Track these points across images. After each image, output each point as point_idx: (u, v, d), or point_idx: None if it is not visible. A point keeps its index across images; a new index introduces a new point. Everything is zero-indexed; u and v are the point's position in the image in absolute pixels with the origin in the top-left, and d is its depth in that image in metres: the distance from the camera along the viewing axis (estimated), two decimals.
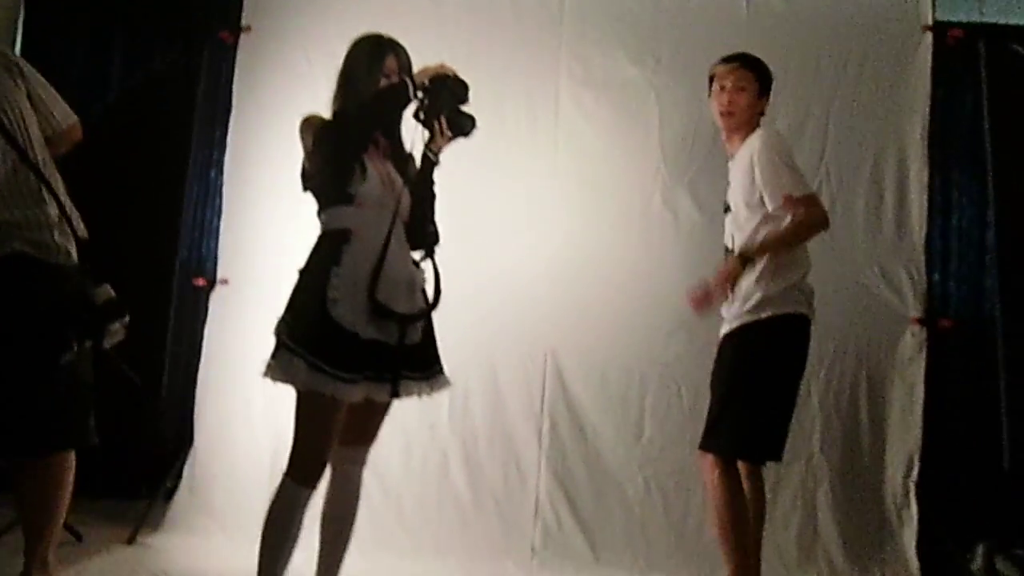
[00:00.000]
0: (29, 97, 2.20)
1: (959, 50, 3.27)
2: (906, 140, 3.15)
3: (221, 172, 3.62)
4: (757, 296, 2.53)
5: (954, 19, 3.31)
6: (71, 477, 2.21)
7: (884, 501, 3.07)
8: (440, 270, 2.32)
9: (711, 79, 2.70)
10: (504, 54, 3.38)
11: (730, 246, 2.63)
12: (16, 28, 3.98)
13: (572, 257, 3.28)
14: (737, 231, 2.61)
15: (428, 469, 3.27)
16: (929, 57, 3.16)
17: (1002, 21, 3.46)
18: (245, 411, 3.34)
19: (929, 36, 3.17)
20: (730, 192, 2.66)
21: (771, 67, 2.66)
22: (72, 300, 2.10)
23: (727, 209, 2.68)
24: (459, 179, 3.04)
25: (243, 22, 3.57)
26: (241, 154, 3.53)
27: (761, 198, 2.54)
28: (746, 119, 2.65)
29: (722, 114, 2.66)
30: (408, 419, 3.19)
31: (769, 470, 2.99)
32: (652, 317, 3.22)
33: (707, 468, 2.54)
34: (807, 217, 2.53)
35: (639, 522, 3.15)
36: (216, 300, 3.48)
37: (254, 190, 3.49)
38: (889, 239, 3.13)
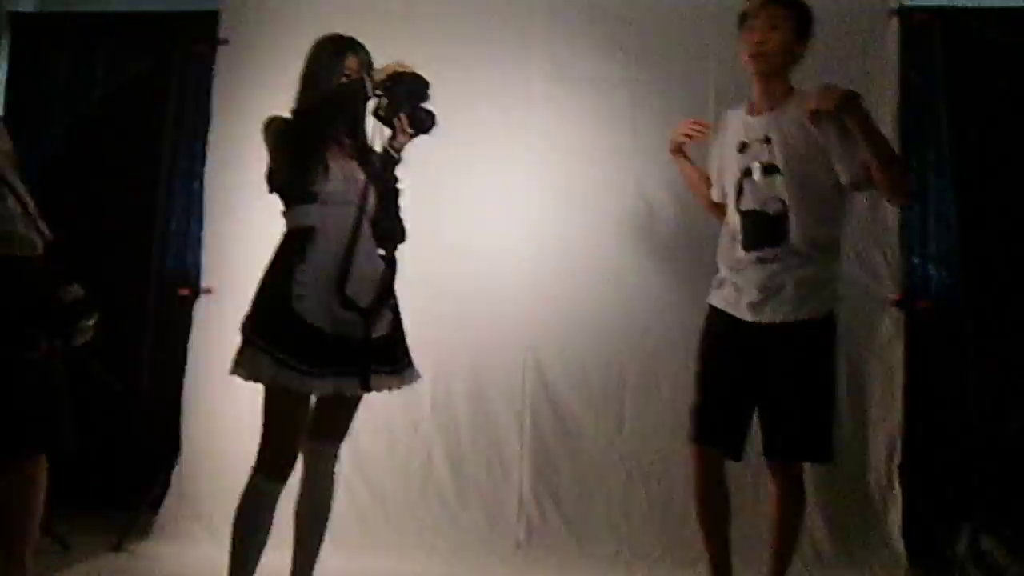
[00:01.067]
0: None
1: (927, 33, 3.29)
2: (877, 123, 3.14)
3: (202, 182, 3.67)
4: (833, 286, 2.44)
5: (922, 3, 3.32)
6: (43, 479, 2.19)
7: (868, 485, 3.06)
8: (398, 266, 2.34)
9: (742, 18, 2.45)
10: (475, 54, 3.40)
11: (769, 210, 2.38)
12: (2, 45, 4.08)
13: (549, 253, 3.30)
14: (787, 194, 2.35)
15: (412, 466, 3.28)
16: (896, 41, 3.16)
17: (972, 4, 3.47)
18: (231, 418, 3.34)
19: (895, 20, 3.18)
20: (775, 153, 2.37)
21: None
22: (38, 296, 2.09)
23: (772, 171, 2.38)
24: (436, 176, 3.14)
25: (220, 35, 3.63)
26: (222, 164, 3.57)
27: (825, 163, 2.35)
28: (779, 63, 2.41)
29: (751, 56, 2.41)
30: (392, 416, 3.23)
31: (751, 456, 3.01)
32: (630, 310, 3.24)
33: (787, 477, 2.47)
34: (903, 179, 2.42)
35: (622, 513, 3.15)
36: (200, 309, 3.51)
37: (235, 199, 3.51)
38: (863, 222, 3.11)
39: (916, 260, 3.39)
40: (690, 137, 2.65)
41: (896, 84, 3.15)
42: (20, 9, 4.14)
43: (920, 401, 3.12)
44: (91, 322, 2.18)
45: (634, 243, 3.28)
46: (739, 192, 2.44)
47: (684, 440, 2.52)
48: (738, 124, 2.49)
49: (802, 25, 2.40)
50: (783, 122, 2.39)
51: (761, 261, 2.39)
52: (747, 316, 2.40)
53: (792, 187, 2.36)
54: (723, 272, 2.51)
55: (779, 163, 2.37)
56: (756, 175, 2.40)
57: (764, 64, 2.40)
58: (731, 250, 2.48)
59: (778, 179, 2.37)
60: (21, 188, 2.17)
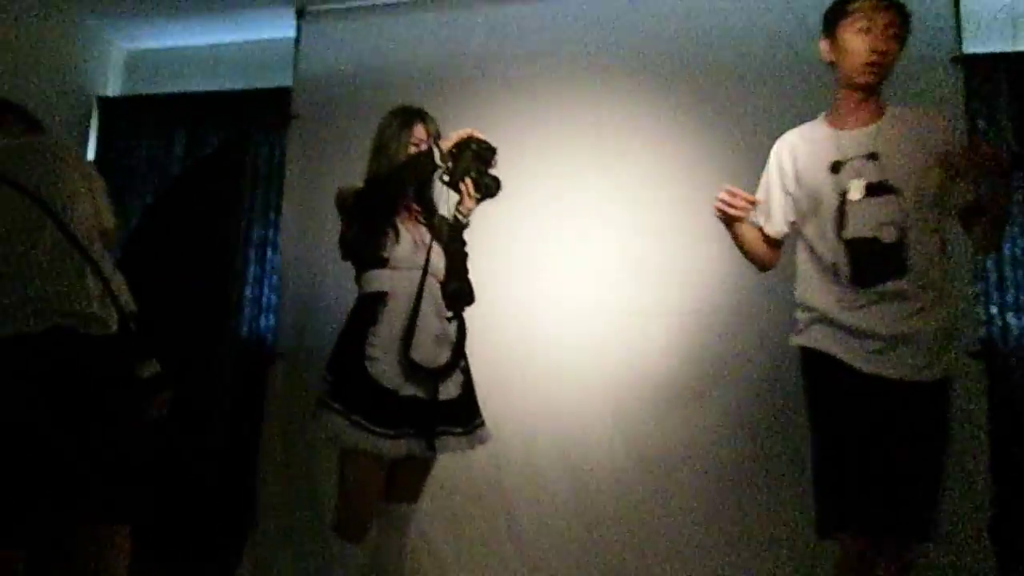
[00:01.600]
0: (92, 193, 2.32)
1: (991, 80, 3.25)
2: None
3: (277, 251, 3.80)
4: (955, 341, 2.15)
5: (983, 50, 3.29)
6: (127, 547, 2.17)
7: (956, 551, 2.92)
8: (467, 327, 2.39)
9: (838, 12, 2.15)
10: (544, 117, 3.46)
11: (884, 238, 2.06)
12: (91, 127, 4.34)
13: (625, 311, 3.29)
14: (905, 217, 2.06)
15: (498, 523, 3.27)
16: (961, 89, 3.13)
17: None
18: (306, 484, 3.42)
19: (959, 68, 3.15)
20: (887, 170, 2.08)
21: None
22: (112, 373, 2.12)
23: (882, 191, 2.08)
24: (509, 238, 3.23)
25: (292, 111, 3.79)
26: (296, 233, 3.70)
27: (941, 185, 2.08)
28: (884, 78, 2.16)
29: (868, 64, 2.11)
30: (476, 475, 3.24)
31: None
32: (710, 366, 3.20)
33: (901, 565, 2.07)
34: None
35: None
36: (275, 376, 3.61)
37: (309, 267, 3.63)
38: None
39: (994, 309, 3.29)
40: (734, 209, 2.24)
41: (964, 131, 3.10)
42: (107, 94, 4.41)
43: (1005, 455, 3.00)
44: (165, 397, 2.24)
45: (708, 296, 3.25)
46: (840, 218, 2.10)
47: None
48: (824, 142, 2.19)
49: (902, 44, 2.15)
50: (892, 136, 2.11)
51: (883, 299, 2.05)
52: (867, 366, 2.04)
53: (913, 209, 2.05)
54: (820, 310, 2.14)
55: (895, 181, 2.06)
56: (856, 195, 2.09)
57: (877, 76, 2.13)
58: (830, 285, 2.12)
59: (891, 200, 2.06)
60: (107, 265, 2.23)
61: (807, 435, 2.99)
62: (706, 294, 3.23)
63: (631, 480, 3.19)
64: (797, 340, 2.21)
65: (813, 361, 2.16)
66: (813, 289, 2.18)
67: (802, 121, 3.27)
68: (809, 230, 2.20)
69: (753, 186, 3.27)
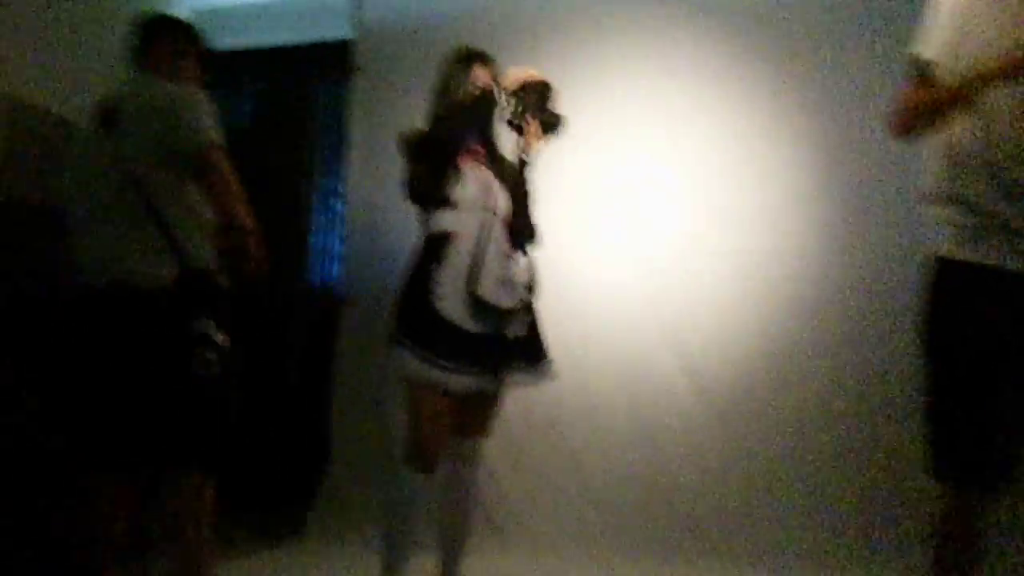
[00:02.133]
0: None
1: None
2: None
3: (343, 200, 3.89)
4: None
5: None
6: (211, 492, 2.19)
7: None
8: (537, 265, 2.42)
9: None
10: (608, 58, 3.47)
11: None
12: None
13: (699, 251, 3.30)
14: None
15: (564, 461, 3.33)
16: None
17: None
18: (378, 422, 3.53)
19: None
20: None
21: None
22: (163, 330, 2.06)
23: None
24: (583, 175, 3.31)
25: (354, 63, 3.84)
26: (359, 183, 3.77)
27: None
28: None
29: None
30: (543, 411, 3.30)
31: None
32: (788, 310, 3.20)
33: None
34: None
35: (778, 512, 3.10)
36: (345, 320, 3.71)
37: (373, 215, 3.71)
38: None
39: None
40: None
41: None
42: None
43: None
44: (212, 356, 2.07)
45: (769, 236, 3.23)
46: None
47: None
48: None
49: None
50: None
51: None
52: None
53: None
54: (984, 207, 1.75)
55: None
56: None
57: None
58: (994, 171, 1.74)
59: None
60: (174, 215, 2.12)
61: (875, 373, 3.01)
62: (766, 235, 3.22)
63: (694, 420, 3.22)
64: (949, 253, 1.81)
65: (970, 279, 1.77)
66: (965, 178, 1.78)
67: (863, 59, 3.20)
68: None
69: (814, 127, 3.21)
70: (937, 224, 1.85)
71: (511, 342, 2.35)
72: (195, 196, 2.15)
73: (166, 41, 2.34)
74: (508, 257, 2.40)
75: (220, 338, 2.08)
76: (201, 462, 2.16)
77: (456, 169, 2.39)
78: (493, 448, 3.09)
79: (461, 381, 2.26)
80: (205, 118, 2.12)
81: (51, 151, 3.66)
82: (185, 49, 2.36)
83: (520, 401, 2.88)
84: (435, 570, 2.49)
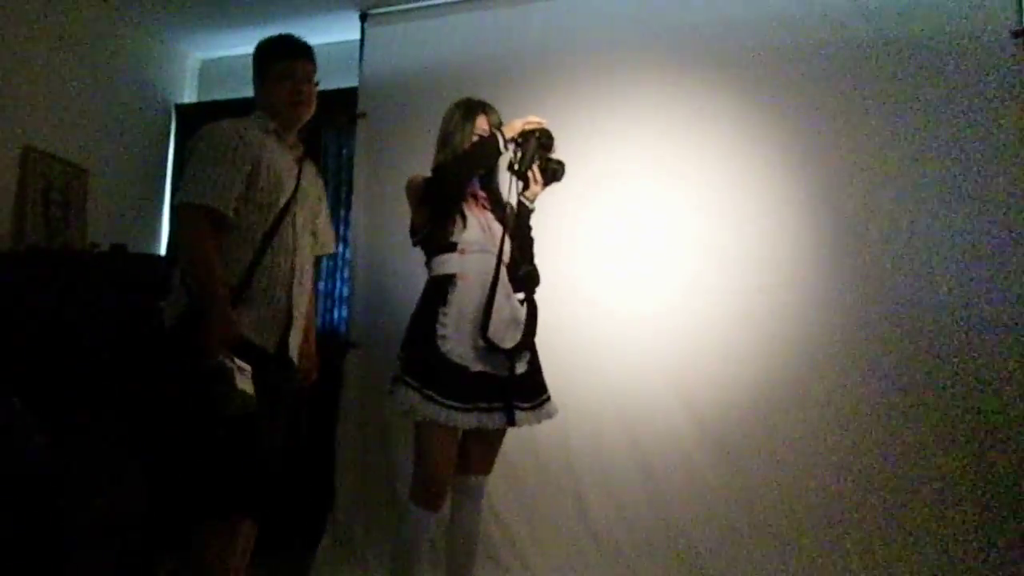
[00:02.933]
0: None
1: None
2: (1007, 147, 3.08)
3: (348, 245, 3.97)
4: None
5: None
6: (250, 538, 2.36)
7: None
8: (539, 306, 2.49)
9: None
10: (606, 110, 3.55)
11: None
12: (170, 133, 4.59)
13: (695, 293, 3.34)
14: None
15: (564, 494, 3.36)
16: (1019, 61, 3.11)
17: None
18: (381, 463, 3.58)
19: (1020, 43, 3.13)
20: None
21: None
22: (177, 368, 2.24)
23: None
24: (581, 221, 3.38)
25: (359, 110, 3.95)
26: (365, 228, 3.85)
27: None
28: None
29: None
30: (544, 447, 3.33)
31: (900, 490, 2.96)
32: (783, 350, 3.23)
33: None
34: None
35: (781, 547, 3.11)
36: (349, 364, 3.76)
37: (378, 260, 3.79)
38: (999, 249, 3.04)
39: None
40: None
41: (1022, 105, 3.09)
42: (183, 101, 4.64)
43: None
44: (231, 390, 2.10)
45: (770, 274, 3.29)
46: None
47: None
48: None
49: None
50: None
51: None
52: None
53: None
54: None
55: None
56: None
57: None
58: None
59: None
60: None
61: (876, 409, 3.05)
62: (767, 273, 3.27)
63: (697, 459, 3.24)
64: None
65: None
66: None
67: (857, 101, 3.33)
68: None
69: (811, 167, 3.31)
70: None
71: (514, 381, 2.41)
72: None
73: None
74: (510, 300, 2.48)
75: (239, 372, 2.12)
76: (230, 504, 2.24)
77: (460, 214, 2.47)
78: (497, 485, 3.15)
79: (466, 419, 2.32)
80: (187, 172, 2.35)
81: (71, 199, 3.80)
82: None
83: (524, 439, 2.93)
84: None
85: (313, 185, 2.60)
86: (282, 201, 2.39)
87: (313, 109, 2.57)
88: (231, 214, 2.29)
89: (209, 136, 2.38)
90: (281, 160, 2.45)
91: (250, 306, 2.28)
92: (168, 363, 2.26)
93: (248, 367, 2.15)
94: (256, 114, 2.54)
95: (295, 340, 2.43)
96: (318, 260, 2.72)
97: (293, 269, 2.40)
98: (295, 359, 2.46)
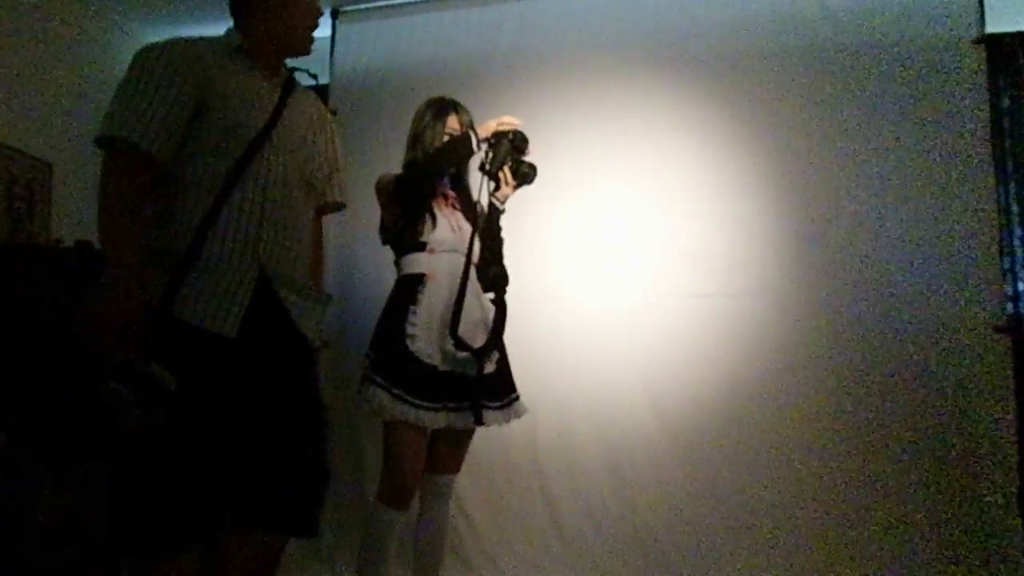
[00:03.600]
0: None
1: (1012, 58, 3.31)
2: (969, 151, 3.15)
3: None
4: None
5: (1006, 29, 3.34)
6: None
7: (985, 516, 2.98)
8: (508, 306, 2.50)
9: None
10: (575, 111, 3.56)
11: None
12: None
13: (662, 288, 3.38)
14: None
15: (532, 493, 3.37)
16: (984, 69, 3.18)
17: None
18: (350, 462, 3.57)
19: (982, 48, 3.19)
20: None
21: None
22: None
23: None
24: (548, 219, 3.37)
25: (330, 106, 3.92)
26: (335, 226, 3.80)
27: None
28: None
29: None
30: (512, 446, 3.35)
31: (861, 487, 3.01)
32: (749, 344, 3.27)
33: None
34: None
35: (748, 545, 3.15)
36: (323, 362, 3.73)
37: (349, 259, 3.77)
38: (962, 246, 3.11)
39: (1021, 285, 3.33)
40: None
41: (987, 110, 3.16)
42: None
43: None
44: (128, 397, 1.64)
45: (735, 278, 3.33)
46: None
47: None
48: None
49: None
50: None
51: None
52: None
53: None
54: None
55: None
56: None
57: None
58: None
59: None
60: None
61: (842, 407, 3.10)
62: (732, 277, 3.31)
63: (665, 456, 3.28)
64: None
65: None
66: None
67: (823, 105, 3.41)
68: None
69: (776, 170, 3.38)
70: None
71: (482, 380, 2.41)
72: None
73: None
74: (479, 299, 2.49)
75: (147, 379, 1.66)
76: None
77: (430, 213, 2.47)
78: (465, 484, 3.16)
79: (435, 419, 2.32)
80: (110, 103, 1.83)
81: (35, 193, 3.75)
82: None
83: (492, 438, 2.93)
84: None
85: (305, 120, 2.06)
86: (247, 138, 1.86)
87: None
88: (161, 155, 1.77)
89: (142, 57, 1.84)
90: (249, 87, 1.92)
91: (200, 278, 1.78)
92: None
93: (165, 377, 1.66)
94: (223, 36, 2.01)
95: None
96: (320, 212, 2.22)
97: (263, 226, 1.87)
98: (307, 334, 1.97)
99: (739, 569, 3.11)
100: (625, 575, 3.21)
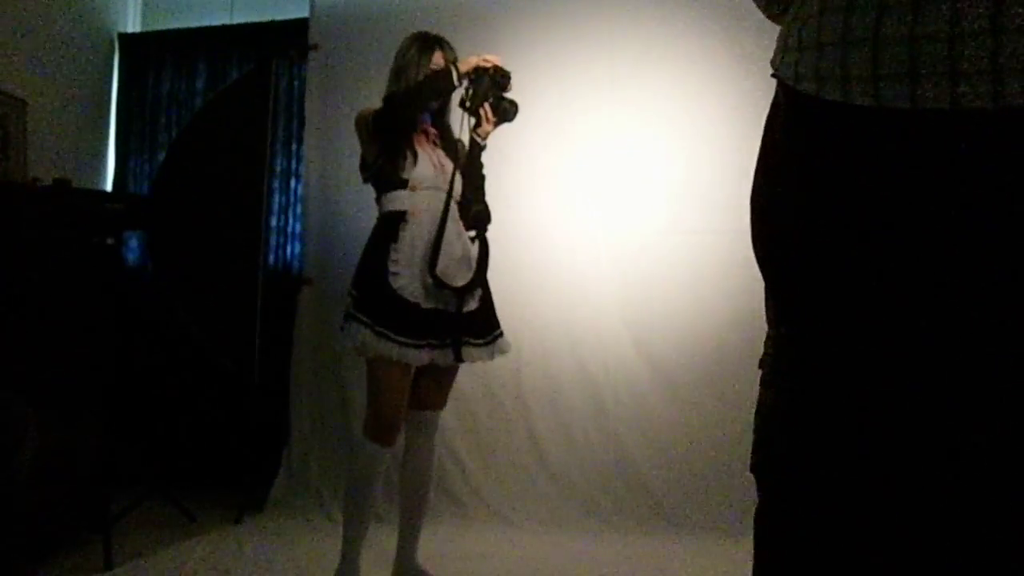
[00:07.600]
0: None
1: None
2: None
3: (300, 180, 3.91)
4: None
5: None
6: None
7: None
8: (490, 246, 2.49)
9: None
10: (556, 49, 3.50)
11: None
12: (113, 63, 4.43)
13: (642, 229, 3.40)
14: None
15: (517, 431, 3.43)
16: None
17: None
18: (335, 398, 3.60)
19: None
20: None
21: None
22: None
23: None
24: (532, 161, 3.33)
25: (310, 41, 3.85)
26: (317, 163, 3.79)
27: None
28: None
29: None
30: (498, 384, 3.39)
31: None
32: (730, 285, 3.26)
33: None
34: None
35: (720, 486, 3.19)
36: (303, 300, 3.75)
37: (330, 195, 3.74)
38: None
39: None
40: None
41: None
42: (127, 30, 4.47)
43: None
44: None
45: (718, 216, 3.31)
46: None
47: None
48: None
49: None
50: None
51: None
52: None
53: None
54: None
55: None
56: None
57: None
58: None
59: None
60: None
61: None
62: (720, 214, 3.28)
63: (648, 392, 3.33)
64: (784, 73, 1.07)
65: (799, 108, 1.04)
66: None
67: None
68: None
69: (765, 103, 3.29)
70: None
71: (464, 317, 2.43)
72: None
73: None
74: (462, 238, 2.48)
75: None
76: None
77: (411, 150, 2.45)
78: (450, 420, 3.19)
79: (418, 356, 2.34)
80: None
81: (10, 131, 3.68)
82: None
83: (476, 375, 2.96)
84: (395, 542, 2.57)
85: None
86: None
87: None
88: None
89: None
90: None
91: None
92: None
93: None
94: None
95: None
96: None
97: None
98: None
99: (720, 502, 3.18)
100: (610, 508, 3.28)
